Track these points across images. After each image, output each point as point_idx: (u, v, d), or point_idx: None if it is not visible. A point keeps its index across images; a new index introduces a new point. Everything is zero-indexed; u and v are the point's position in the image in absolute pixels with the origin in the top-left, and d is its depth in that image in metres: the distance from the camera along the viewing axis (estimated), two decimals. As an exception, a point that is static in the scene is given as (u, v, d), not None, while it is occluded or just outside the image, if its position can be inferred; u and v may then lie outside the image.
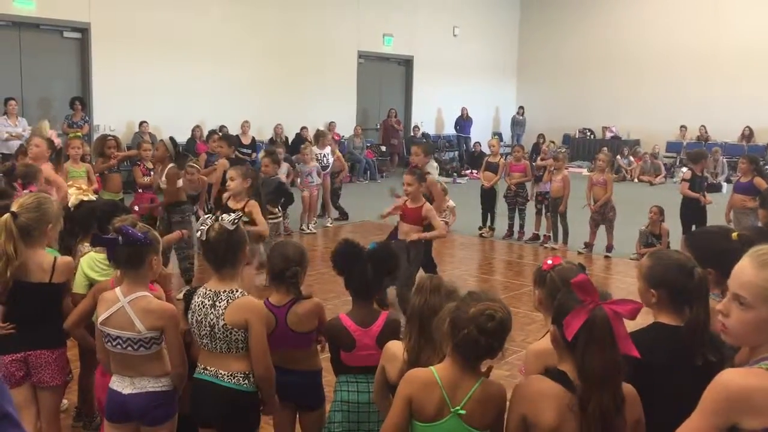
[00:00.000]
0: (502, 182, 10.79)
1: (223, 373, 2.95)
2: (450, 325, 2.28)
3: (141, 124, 13.40)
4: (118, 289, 3.02)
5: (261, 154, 8.13)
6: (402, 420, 2.32)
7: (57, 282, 3.41)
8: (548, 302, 2.61)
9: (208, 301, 2.98)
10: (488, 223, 10.73)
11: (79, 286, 3.73)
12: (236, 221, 3.03)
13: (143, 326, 2.92)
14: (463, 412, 2.27)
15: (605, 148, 17.02)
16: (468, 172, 18.10)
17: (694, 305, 2.38)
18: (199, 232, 3.05)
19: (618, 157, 18.24)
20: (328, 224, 11.21)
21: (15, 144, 10.60)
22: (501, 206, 10.73)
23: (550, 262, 2.75)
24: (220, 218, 3.05)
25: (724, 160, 17.65)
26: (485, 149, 13.02)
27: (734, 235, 2.88)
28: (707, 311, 2.37)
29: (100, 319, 3.01)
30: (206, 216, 3.15)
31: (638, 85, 20.26)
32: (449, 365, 2.32)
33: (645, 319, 2.51)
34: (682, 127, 19.82)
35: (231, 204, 5.77)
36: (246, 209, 5.61)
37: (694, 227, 8.56)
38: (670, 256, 2.60)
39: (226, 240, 2.98)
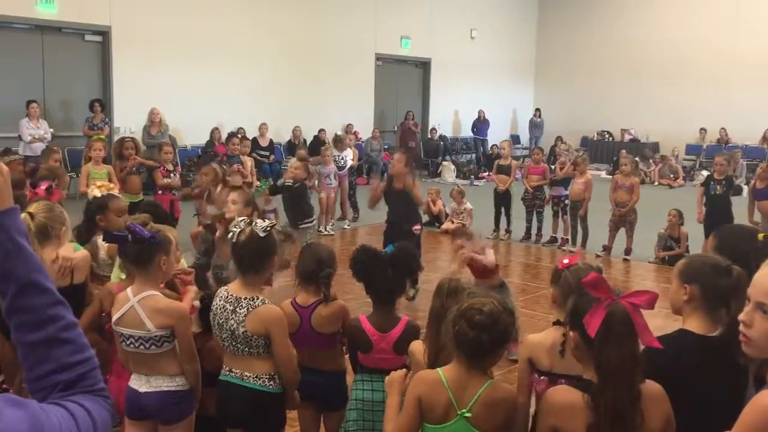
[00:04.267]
0: (518, 184, 10.77)
1: (248, 374, 2.99)
2: (450, 325, 2.30)
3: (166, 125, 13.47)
4: (129, 289, 3.07)
5: (293, 160, 8.02)
6: (413, 421, 2.33)
7: (78, 282, 3.47)
8: (561, 301, 2.66)
9: (230, 305, 3.01)
10: (502, 226, 10.70)
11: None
12: (268, 228, 3.05)
13: (152, 325, 2.97)
14: (469, 414, 2.26)
15: (624, 151, 16.94)
16: (485, 174, 18.05)
17: (733, 304, 2.29)
18: (231, 233, 3.08)
19: (637, 159, 18.13)
20: (346, 226, 11.25)
21: (37, 146, 10.74)
22: (518, 209, 10.69)
23: (566, 261, 2.79)
24: (254, 223, 3.07)
25: (744, 162, 17.48)
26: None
27: (760, 236, 2.87)
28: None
29: (113, 320, 3.07)
30: (240, 219, 3.17)
31: (657, 87, 20.11)
32: (455, 366, 2.32)
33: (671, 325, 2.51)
34: (701, 129, 19.65)
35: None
36: None
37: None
38: (707, 256, 2.61)
39: (255, 246, 3.01)
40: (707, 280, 2.41)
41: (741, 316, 1.78)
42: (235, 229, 3.06)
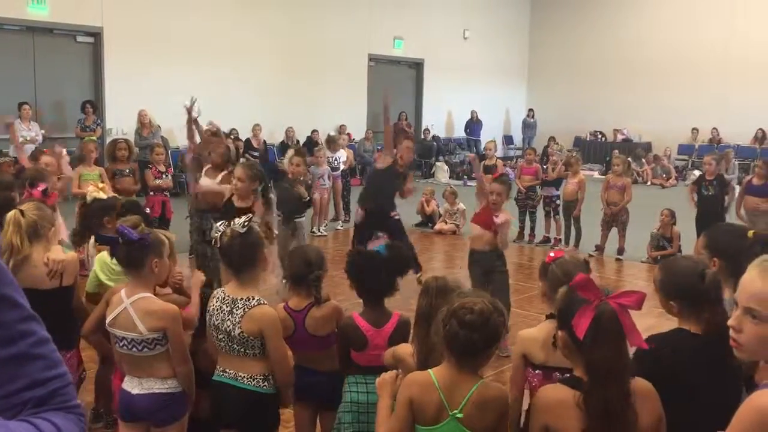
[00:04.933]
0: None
1: (242, 375, 3.00)
2: (440, 325, 2.30)
3: (158, 127, 13.45)
4: (122, 291, 3.07)
5: (290, 153, 7.58)
6: (406, 423, 2.32)
7: (67, 285, 3.47)
8: (551, 294, 2.71)
9: (226, 306, 3.02)
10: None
11: (90, 284, 3.79)
12: (246, 223, 3.05)
13: (144, 327, 2.97)
14: (460, 415, 2.26)
15: (616, 151, 16.98)
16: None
17: (709, 309, 2.34)
18: (214, 240, 3.09)
19: (629, 159, 18.16)
20: (339, 227, 11.24)
21: (28, 148, 10.68)
22: (511, 209, 10.67)
23: (552, 254, 2.89)
24: (232, 223, 3.07)
25: (736, 162, 17.56)
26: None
27: (750, 233, 2.90)
28: (724, 312, 2.35)
29: (107, 321, 3.07)
30: (219, 223, 3.17)
31: (650, 87, 20.18)
32: (446, 367, 2.31)
33: (662, 323, 2.52)
34: (693, 129, 19.72)
35: (236, 201, 5.65)
36: (253, 209, 5.49)
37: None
38: (678, 265, 2.60)
39: (239, 244, 3.01)
40: (687, 292, 2.45)
41: (730, 322, 1.78)
42: (215, 235, 3.07)
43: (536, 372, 2.70)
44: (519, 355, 2.75)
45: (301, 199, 7.12)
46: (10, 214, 3.29)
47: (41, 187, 4.18)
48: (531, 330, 2.80)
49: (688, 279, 2.46)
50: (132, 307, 2.99)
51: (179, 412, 3.07)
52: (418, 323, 2.70)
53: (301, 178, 7.41)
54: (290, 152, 7.60)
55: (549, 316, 2.75)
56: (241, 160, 10.70)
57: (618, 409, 2.05)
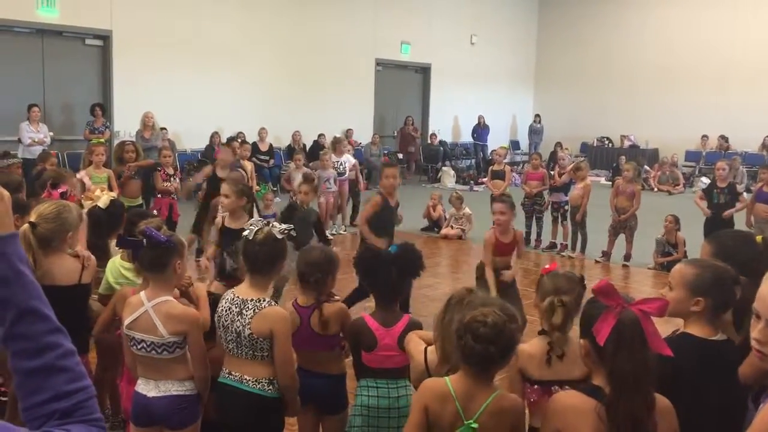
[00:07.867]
0: (517, 190, 10.77)
1: (248, 378, 2.99)
2: (454, 336, 2.30)
3: (160, 130, 13.51)
4: (142, 293, 3.04)
5: (298, 180, 7.15)
6: (420, 429, 2.32)
7: (85, 282, 3.45)
8: (539, 304, 2.81)
9: (236, 308, 3.02)
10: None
11: (102, 287, 3.80)
12: (285, 232, 3.06)
13: (166, 331, 2.95)
14: (475, 425, 2.26)
15: (623, 157, 16.94)
16: (485, 180, 18.04)
17: (745, 318, 2.28)
18: (247, 231, 3.06)
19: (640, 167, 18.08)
20: (342, 231, 11.25)
21: (36, 149, 10.77)
22: (517, 214, 10.67)
23: (547, 266, 2.95)
24: (271, 224, 3.07)
25: (744, 169, 17.49)
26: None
27: (758, 238, 2.88)
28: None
29: (125, 323, 3.04)
30: (258, 218, 3.17)
31: (657, 93, 20.14)
32: (462, 376, 2.31)
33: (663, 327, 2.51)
34: (703, 136, 19.64)
35: (228, 224, 5.28)
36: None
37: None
38: (716, 266, 2.56)
39: (269, 247, 3.02)
40: (719, 293, 2.42)
41: (754, 334, 1.75)
42: (252, 227, 3.06)
43: (534, 387, 2.72)
44: (517, 369, 2.77)
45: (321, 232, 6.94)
46: (22, 230, 3.25)
47: (62, 189, 4.19)
48: (525, 346, 2.78)
49: (726, 282, 2.43)
50: (153, 310, 2.97)
51: (194, 415, 3.06)
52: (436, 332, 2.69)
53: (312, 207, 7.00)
54: (299, 178, 7.45)
55: (541, 332, 2.78)
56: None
57: (642, 419, 2.03)
